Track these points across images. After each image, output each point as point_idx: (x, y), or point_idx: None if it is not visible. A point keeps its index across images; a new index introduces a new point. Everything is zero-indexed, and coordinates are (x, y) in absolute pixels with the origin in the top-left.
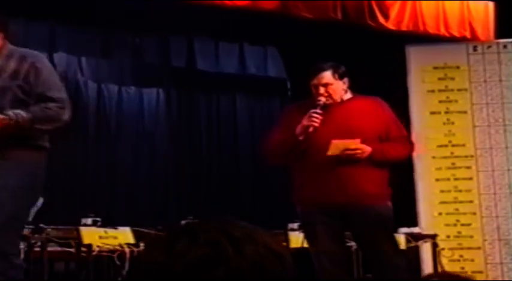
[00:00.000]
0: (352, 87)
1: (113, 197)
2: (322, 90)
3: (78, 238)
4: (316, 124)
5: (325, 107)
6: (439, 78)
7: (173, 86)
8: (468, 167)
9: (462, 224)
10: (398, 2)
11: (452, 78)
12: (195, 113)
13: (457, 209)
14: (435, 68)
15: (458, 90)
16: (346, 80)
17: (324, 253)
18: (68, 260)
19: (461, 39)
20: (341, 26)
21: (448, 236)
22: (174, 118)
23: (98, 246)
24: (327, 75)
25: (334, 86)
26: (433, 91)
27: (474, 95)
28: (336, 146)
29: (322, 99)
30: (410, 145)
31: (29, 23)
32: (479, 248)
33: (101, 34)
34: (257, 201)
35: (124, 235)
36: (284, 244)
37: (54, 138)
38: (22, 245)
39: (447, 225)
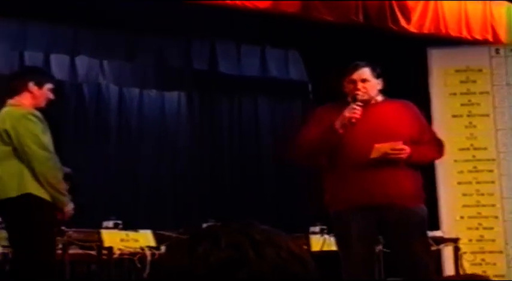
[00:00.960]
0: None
1: (135, 200)
2: (360, 85)
3: (100, 240)
4: (357, 115)
5: (363, 103)
6: (461, 81)
7: (195, 89)
8: (490, 171)
9: (484, 228)
10: (420, 5)
11: (474, 81)
12: (216, 116)
13: (479, 213)
14: (457, 71)
15: (481, 93)
16: (380, 80)
17: (355, 255)
18: (89, 262)
19: (484, 42)
20: (363, 29)
21: (470, 240)
22: (195, 121)
23: (119, 249)
24: (367, 72)
25: (371, 83)
26: (455, 94)
27: (496, 98)
28: (378, 149)
29: (360, 93)
30: (442, 147)
31: (51, 27)
32: (501, 252)
33: (123, 37)
34: (279, 204)
35: (145, 238)
36: (305, 247)
37: (77, 142)
38: None
39: (469, 229)
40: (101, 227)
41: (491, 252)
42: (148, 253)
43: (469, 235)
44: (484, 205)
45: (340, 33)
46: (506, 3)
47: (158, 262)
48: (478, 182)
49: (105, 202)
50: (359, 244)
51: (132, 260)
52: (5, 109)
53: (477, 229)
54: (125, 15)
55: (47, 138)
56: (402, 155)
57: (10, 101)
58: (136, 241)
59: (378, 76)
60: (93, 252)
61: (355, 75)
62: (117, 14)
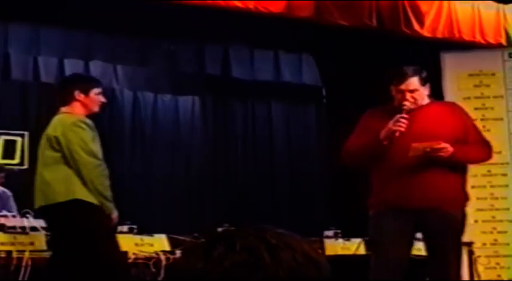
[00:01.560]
0: (386, 94)
1: (149, 205)
2: (408, 95)
3: None
4: (402, 129)
5: (409, 112)
6: (475, 85)
7: (208, 93)
8: (504, 175)
9: (499, 232)
10: (434, 9)
11: (488, 85)
12: (230, 121)
13: (493, 217)
14: (470, 75)
15: (494, 97)
16: (428, 85)
17: (389, 259)
18: None
19: (497, 46)
20: (376, 33)
21: (484, 244)
22: (209, 126)
23: (133, 253)
24: (415, 82)
25: (420, 91)
26: (468, 98)
27: (510, 101)
28: (416, 148)
29: (407, 104)
30: (489, 149)
31: (65, 32)
32: None
33: (137, 42)
34: (293, 208)
35: (160, 242)
36: (319, 251)
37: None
38: None
39: (483, 232)
40: (116, 232)
41: (505, 256)
42: (163, 257)
43: (483, 238)
44: (498, 209)
45: (353, 37)
46: None
47: (174, 266)
48: (492, 186)
49: (119, 207)
50: (395, 248)
51: (147, 264)
52: (58, 117)
53: (491, 232)
54: (138, 20)
55: (96, 146)
56: (444, 154)
57: (62, 109)
58: (151, 245)
59: (425, 82)
60: None
61: (403, 86)
62: (131, 19)
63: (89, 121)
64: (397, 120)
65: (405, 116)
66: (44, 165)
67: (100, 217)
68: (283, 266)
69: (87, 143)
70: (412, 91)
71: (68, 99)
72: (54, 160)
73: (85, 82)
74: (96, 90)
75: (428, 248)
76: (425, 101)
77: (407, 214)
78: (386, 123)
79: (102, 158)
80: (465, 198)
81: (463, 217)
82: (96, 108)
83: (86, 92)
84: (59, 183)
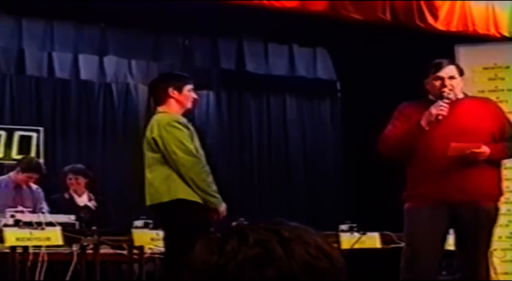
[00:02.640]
0: (401, 88)
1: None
2: (447, 82)
3: (130, 240)
4: (444, 113)
5: (448, 99)
6: (489, 79)
7: (223, 88)
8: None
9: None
10: (448, 2)
11: (503, 79)
12: (245, 115)
13: (509, 210)
14: (485, 68)
15: (508, 90)
16: (462, 78)
17: (421, 252)
18: (120, 262)
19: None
20: (390, 27)
21: (500, 237)
22: (224, 120)
23: (149, 248)
24: (454, 69)
25: (457, 80)
26: (483, 91)
27: None
28: (455, 149)
29: (447, 90)
30: None
31: (80, 27)
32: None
33: (151, 37)
34: (308, 202)
35: None
36: (335, 245)
37: (107, 141)
38: (75, 248)
39: (499, 226)
40: (132, 227)
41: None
42: None
43: (499, 232)
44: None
45: (368, 31)
46: None
47: (188, 260)
48: (507, 179)
49: (135, 202)
50: (430, 242)
51: (163, 259)
52: (154, 117)
53: (507, 226)
54: (152, 15)
55: (192, 144)
56: (482, 157)
57: (158, 109)
58: None
59: (461, 73)
60: (124, 252)
61: (443, 73)
62: (144, 14)
63: (183, 120)
64: (439, 104)
65: (446, 101)
66: (147, 166)
67: (204, 215)
68: (296, 259)
69: (183, 142)
70: (451, 78)
71: (162, 98)
72: (154, 160)
73: (178, 79)
74: (189, 86)
75: (460, 242)
76: (461, 94)
77: (443, 208)
78: (423, 114)
79: (202, 154)
80: (500, 193)
81: (496, 211)
82: (189, 105)
83: (179, 89)
84: (161, 183)
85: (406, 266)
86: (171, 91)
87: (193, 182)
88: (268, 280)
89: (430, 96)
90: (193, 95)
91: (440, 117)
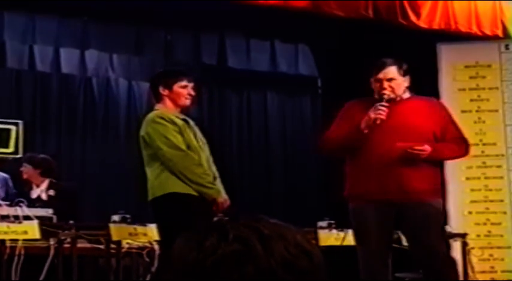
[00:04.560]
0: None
1: (143, 194)
2: (386, 84)
3: (108, 234)
4: (383, 117)
5: (389, 101)
6: (471, 77)
7: (204, 83)
8: (499, 166)
9: (492, 223)
10: (430, 0)
11: (484, 77)
12: (225, 111)
13: (487, 208)
14: (466, 66)
15: (490, 88)
16: (408, 77)
17: (374, 251)
18: (98, 256)
19: (493, 38)
20: (372, 24)
21: (478, 235)
22: (204, 116)
23: (127, 243)
24: (392, 70)
25: (398, 81)
26: (464, 90)
27: (506, 93)
28: (401, 149)
29: (387, 92)
30: (466, 146)
31: (61, 20)
32: (509, 247)
33: (133, 31)
34: (287, 199)
35: (153, 232)
36: (313, 241)
37: (86, 135)
38: (52, 242)
39: (477, 224)
40: (110, 221)
41: (499, 247)
42: (156, 247)
43: (477, 230)
44: (492, 200)
45: (350, 28)
46: None
47: (167, 255)
48: (486, 178)
49: (113, 196)
50: (379, 241)
51: (140, 254)
52: (148, 115)
53: (485, 224)
54: (133, 8)
55: (178, 138)
56: (421, 155)
57: (155, 106)
58: (145, 235)
59: (404, 74)
60: (101, 246)
61: (381, 75)
62: (126, 8)
63: (169, 115)
64: (377, 108)
65: (385, 104)
66: (145, 164)
67: (200, 208)
68: (275, 257)
69: (167, 136)
70: (389, 80)
71: (158, 96)
72: (149, 157)
73: (167, 77)
74: (181, 83)
75: (410, 238)
76: (406, 94)
77: (386, 207)
78: (365, 114)
79: (200, 146)
80: (439, 190)
81: (439, 205)
82: (184, 102)
83: (169, 87)
84: (155, 179)
85: (363, 267)
86: (162, 89)
87: (184, 176)
88: (247, 276)
89: (376, 95)
90: (189, 91)
91: (378, 121)
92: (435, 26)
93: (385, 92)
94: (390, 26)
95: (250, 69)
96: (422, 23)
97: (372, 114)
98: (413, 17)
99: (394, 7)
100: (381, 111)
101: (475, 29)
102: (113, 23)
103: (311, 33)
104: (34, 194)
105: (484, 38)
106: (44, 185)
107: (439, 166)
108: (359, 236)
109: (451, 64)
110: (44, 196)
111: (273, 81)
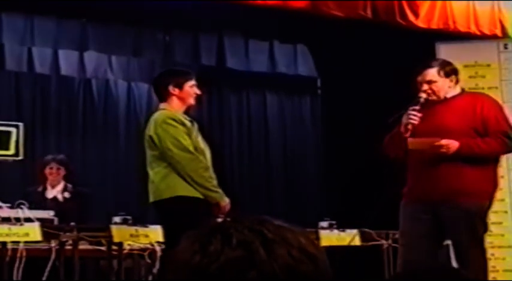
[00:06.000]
0: (381, 85)
1: (144, 196)
2: (425, 87)
3: (109, 236)
4: (414, 122)
5: (424, 104)
6: (470, 77)
7: (203, 84)
8: (499, 166)
9: (493, 223)
10: (428, 0)
11: (483, 76)
12: (225, 112)
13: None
14: (466, 66)
15: (489, 88)
16: (453, 77)
17: (409, 249)
18: (99, 258)
19: (492, 37)
20: (371, 24)
21: None
22: (204, 117)
23: (128, 244)
24: (431, 73)
25: (438, 83)
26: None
27: (504, 93)
28: (413, 143)
29: (423, 95)
30: (505, 141)
31: (60, 22)
32: (510, 246)
33: (131, 33)
34: (288, 199)
35: (155, 234)
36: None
37: (86, 137)
38: (53, 244)
39: None
40: (111, 223)
41: (500, 247)
42: (158, 248)
43: None
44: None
45: (349, 28)
46: None
47: (171, 257)
48: None
49: (114, 198)
50: (415, 237)
51: (142, 255)
52: (154, 115)
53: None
54: (132, 10)
55: (188, 140)
56: (445, 150)
57: (160, 105)
58: (146, 236)
59: (447, 74)
60: (103, 248)
61: (419, 77)
62: (125, 9)
63: (179, 116)
64: (409, 114)
65: (416, 108)
66: (148, 164)
67: (206, 211)
68: (278, 262)
69: (178, 139)
70: (429, 82)
71: (164, 95)
72: (154, 158)
73: (178, 76)
74: (190, 82)
75: (451, 240)
76: (452, 93)
77: (424, 205)
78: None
79: (205, 148)
80: (487, 189)
81: (478, 207)
82: (191, 101)
83: (180, 86)
84: (161, 181)
85: (398, 261)
86: (172, 88)
87: (191, 179)
88: None
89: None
90: (196, 90)
91: (409, 126)
92: (434, 26)
93: (421, 95)
94: (389, 26)
95: (249, 70)
96: (421, 23)
97: (404, 120)
98: (411, 17)
99: (392, 7)
100: (411, 116)
101: (473, 29)
102: (112, 24)
103: (310, 33)
104: (50, 195)
105: (482, 38)
106: (60, 186)
107: (489, 165)
108: (400, 231)
109: None
110: (60, 197)
111: (272, 82)
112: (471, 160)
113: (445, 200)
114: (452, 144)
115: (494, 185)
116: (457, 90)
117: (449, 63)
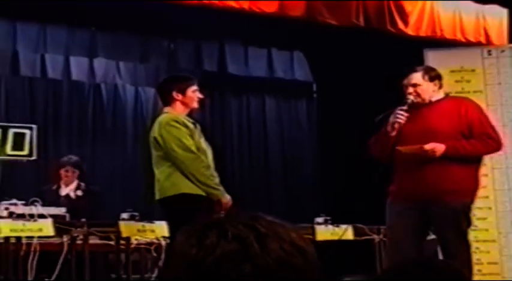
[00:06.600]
0: (374, 89)
1: (151, 194)
2: (410, 89)
3: (118, 231)
4: (401, 121)
5: (412, 106)
6: (456, 81)
7: (205, 89)
8: (483, 164)
9: (478, 218)
10: (417, 9)
11: (469, 81)
12: (226, 114)
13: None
14: (452, 71)
15: (474, 92)
16: (437, 82)
17: (396, 243)
18: (108, 252)
19: (477, 44)
20: (364, 32)
21: None
22: (206, 119)
23: (136, 239)
24: (416, 76)
25: (423, 86)
26: (450, 93)
27: (489, 96)
28: (403, 150)
29: (410, 97)
30: (492, 141)
31: (71, 31)
32: (494, 241)
33: (138, 40)
34: (286, 197)
35: (160, 229)
36: (310, 237)
37: (97, 139)
38: (65, 238)
39: None
40: (119, 219)
41: (484, 241)
42: (163, 243)
43: None
44: (478, 197)
45: (343, 36)
46: (498, 9)
47: (171, 248)
48: None
49: (123, 196)
50: (401, 234)
51: (148, 249)
52: (159, 117)
53: None
54: (139, 19)
55: (190, 141)
56: (433, 154)
57: (164, 109)
58: (153, 231)
59: (431, 79)
60: (111, 242)
61: (405, 81)
62: (133, 18)
63: (182, 118)
64: (396, 113)
65: (404, 108)
66: (154, 164)
67: (209, 207)
68: (271, 256)
69: (181, 139)
70: (414, 85)
71: (168, 100)
72: (159, 158)
73: (181, 82)
74: (193, 88)
75: (438, 238)
76: (437, 97)
77: (412, 204)
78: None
79: (206, 148)
80: (471, 188)
81: (464, 205)
82: (194, 105)
83: (183, 92)
84: (165, 179)
85: (385, 256)
86: (175, 94)
87: (194, 177)
88: (245, 275)
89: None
90: (198, 95)
91: (396, 125)
92: (422, 33)
93: (408, 97)
94: (380, 33)
95: (249, 75)
96: (410, 31)
97: (391, 119)
98: (401, 25)
99: (383, 15)
100: (399, 116)
101: (459, 36)
102: (120, 32)
103: (306, 40)
104: (63, 192)
105: (468, 45)
106: (73, 185)
107: (473, 164)
108: (386, 229)
109: (437, 69)
110: (72, 195)
111: (271, 87)
112: (456, 160)
113: (433, 199)
114: (439, 147)
115: (477, 183)
116: (441, 94)
117: (433, 69)
